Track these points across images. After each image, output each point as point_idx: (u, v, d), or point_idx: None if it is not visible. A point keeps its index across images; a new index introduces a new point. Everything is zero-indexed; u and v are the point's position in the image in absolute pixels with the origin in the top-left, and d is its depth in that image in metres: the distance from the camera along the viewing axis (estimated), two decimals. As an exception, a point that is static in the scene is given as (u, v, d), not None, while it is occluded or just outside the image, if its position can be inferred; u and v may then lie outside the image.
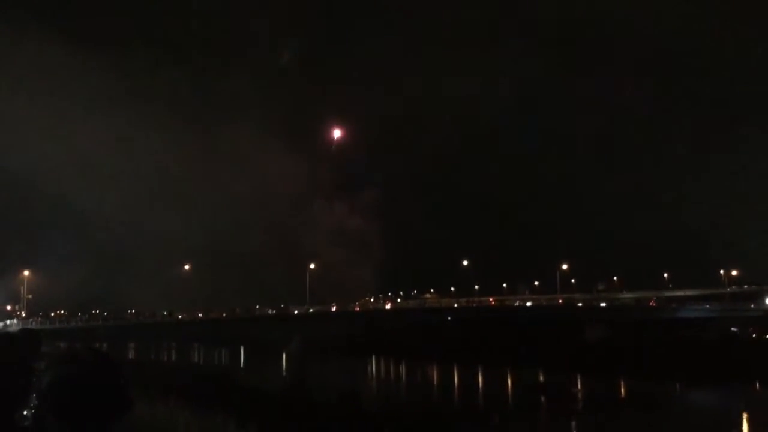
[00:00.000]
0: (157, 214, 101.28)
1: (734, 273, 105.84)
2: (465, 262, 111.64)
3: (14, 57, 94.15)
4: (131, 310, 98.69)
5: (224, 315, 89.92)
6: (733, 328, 74.11)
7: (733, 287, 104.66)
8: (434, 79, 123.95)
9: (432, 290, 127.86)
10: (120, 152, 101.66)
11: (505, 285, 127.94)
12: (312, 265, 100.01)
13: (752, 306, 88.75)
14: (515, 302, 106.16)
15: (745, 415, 34.69)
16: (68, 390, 2.24)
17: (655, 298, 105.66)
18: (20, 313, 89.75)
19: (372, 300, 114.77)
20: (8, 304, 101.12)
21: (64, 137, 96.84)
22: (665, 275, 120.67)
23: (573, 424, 32.77)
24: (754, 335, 71.46)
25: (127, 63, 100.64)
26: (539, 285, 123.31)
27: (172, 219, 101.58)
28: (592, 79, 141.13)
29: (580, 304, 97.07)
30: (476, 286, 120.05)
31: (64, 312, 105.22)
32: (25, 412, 2.33)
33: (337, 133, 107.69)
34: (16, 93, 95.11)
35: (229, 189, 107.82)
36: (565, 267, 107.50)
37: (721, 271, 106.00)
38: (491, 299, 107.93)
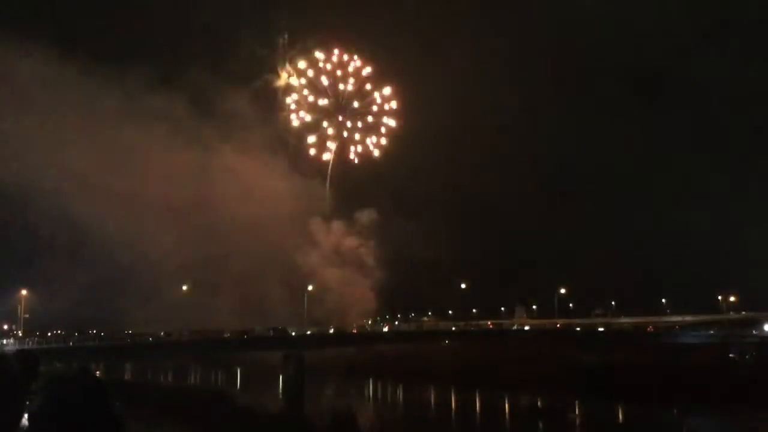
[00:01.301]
0: (155, 235, 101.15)
1: (732, 299, 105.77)
2: (463, 285, 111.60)
3: (12, 74, 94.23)
4: (128, 330, 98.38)
5: (222, 336, 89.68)
6: (731, 354, 73.91)
7: (732, 313, 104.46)
8: (433, 94, 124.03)
9: (430, 313, 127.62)
10: (117, 171, 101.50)
11: (503, 309, 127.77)
12: (310, 287, 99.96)
13: (752, 332, 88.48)
14: (513, 326, 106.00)
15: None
16: (58, 412, 2.31)
17: (653, 323, 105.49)
18: (17, 332, 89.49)
19: (370, 322, 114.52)
20: (5, 323, 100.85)
21: (61, 155, 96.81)
22: (663, 301, 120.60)
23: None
24: (752, 361, 71.21)
25: (126, 81, 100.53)
26: (537, 309, 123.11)
27: (170, 239, 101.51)
28: (592, 97, 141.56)
29: (578, 329, 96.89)
30: (474, 310, 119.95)
31: (61, 332, 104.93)
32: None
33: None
34: (13, 110, 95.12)
35: (226, 209, 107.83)
36: (563, 291, 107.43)
37: (720, 297, 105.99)
38: (489, 322, 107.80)
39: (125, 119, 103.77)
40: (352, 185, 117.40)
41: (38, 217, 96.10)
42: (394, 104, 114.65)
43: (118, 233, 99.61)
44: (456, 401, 57.87)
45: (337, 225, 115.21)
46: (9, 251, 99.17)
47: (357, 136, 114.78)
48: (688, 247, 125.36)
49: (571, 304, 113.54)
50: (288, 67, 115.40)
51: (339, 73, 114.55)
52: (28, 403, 2.39)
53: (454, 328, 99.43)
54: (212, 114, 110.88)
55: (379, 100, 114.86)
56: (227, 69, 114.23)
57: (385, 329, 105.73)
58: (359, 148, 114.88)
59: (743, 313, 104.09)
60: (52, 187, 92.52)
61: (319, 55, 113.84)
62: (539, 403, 51.78)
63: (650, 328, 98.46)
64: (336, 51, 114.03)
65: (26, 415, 2.39)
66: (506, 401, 54.51)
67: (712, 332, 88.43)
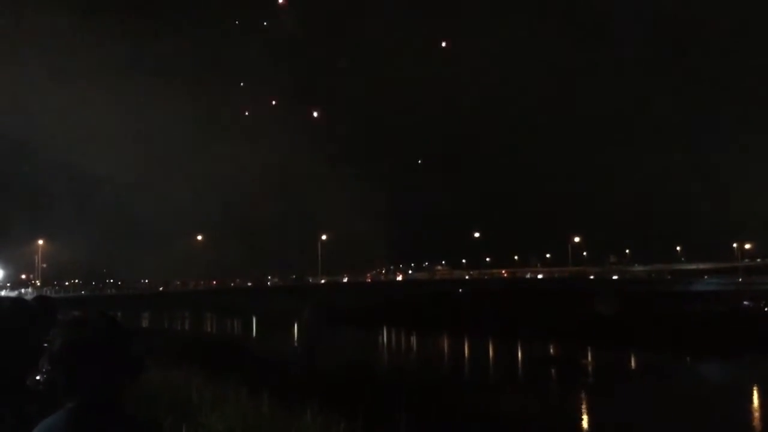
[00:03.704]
0: (167, 183, 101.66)
1: (747, 246, 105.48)
2: (476, 234, 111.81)
3: (15, 23, 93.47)
4: (145, 279, 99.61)
5: (238, 285, 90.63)
6: (745, 302, 73.86)
7: (746, 261, 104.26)
8: (448, 47, 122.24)
9: (443, 262, 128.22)
10: (125, 119, 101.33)
11: (516, 257, 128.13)
12: (324, 237, 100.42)
13: (766, 279, 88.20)
14: (527, 274, 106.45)
15: (755, 388, 34.76)
16: (79, 353, 2.26)
17: (667, 271, 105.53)
18: (35, 281, 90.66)
19: (383, 271, 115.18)
20: (22, 273, 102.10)
21: (71, 106, 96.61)
22: (678, 248, 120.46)
23: (583, 395, 32.93)
24: (766, 309, 71.20)
25: (129, 27, 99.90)
26: (551, 257, 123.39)
27: (182, 188, 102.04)
28: (604, 49, 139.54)
29: (591, 277, 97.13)
30: (487, 258, 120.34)
31: (79, 281, 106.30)
32: (37, 377, 2.35)
33: None
34: (18, 60, 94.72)
35: (237, 157, 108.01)
36: (577, 239, 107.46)
37: (734, 245, 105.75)
38: (503, 271, 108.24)
39: (132, 67, 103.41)
40: (364, 131, 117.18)
41: (50, 167, 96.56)
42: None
43: (130, 182, 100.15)
44: (469, 349, 58.36)
45: (350, 173, 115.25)
46: (23, 202, 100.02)
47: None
48: (703, 194, 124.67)
49: (585, 253, 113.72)
50: None
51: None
52: (46, 345, 2.33)
53: (467, 277, 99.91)
54: (220, 61, 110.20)
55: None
56: (234, 16, 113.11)
57: (399, 278, 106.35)
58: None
59: (758, 260, 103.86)
60: (63, 136, 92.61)
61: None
62: (552, 351, 52.09)
63: (668, 276, 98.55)
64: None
65: (45, 357, 2.32)
66: (519, 349, 54.87)
67: (725, 280, 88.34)
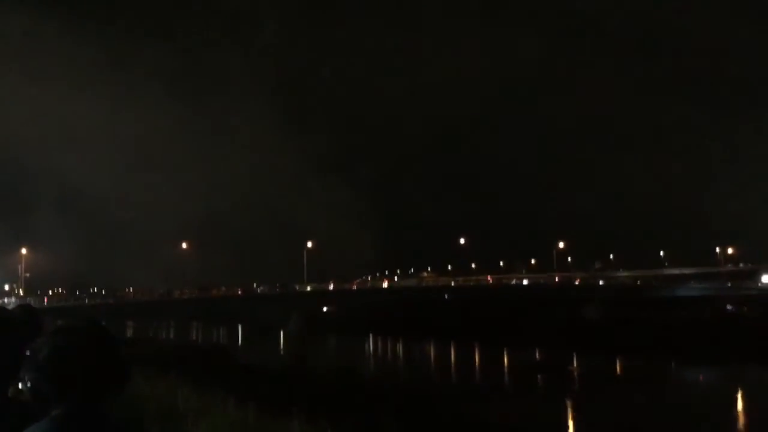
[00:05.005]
0: (152, 192, 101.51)
1: (731, 251, 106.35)
2: (462, 241, 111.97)
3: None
4: (129, 288, 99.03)
5: (224, 293, 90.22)
6: (729, 307, 74.36)
7: (730, 266, 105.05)
8: (431, 52, 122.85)
9: (429, 269, 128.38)
10: (109, 128, 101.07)
11: (501, 263, 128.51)
12: (309, 244, 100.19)
13: (750, 284, 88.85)
14: (512, 280, 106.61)
15: (740, 393, 34.97)
16: (66, 361, 2.22)
17: (651, 276, 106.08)
18: (18, 291, 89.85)
19: (369, 278, 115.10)
20: (5, 283, 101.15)
21: (52, 113, 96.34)
22: (662, 253, 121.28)
23: (570, 402, 32.96)
24: (749, 313, 71.66)
25: (113, 38, 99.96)
26: (536, 263, 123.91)
27: (167, 196, 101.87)
28: (591, 58, 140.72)
29: (577, 283, 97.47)
30: (473, 265, 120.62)
31: (62, 290, 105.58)
32: (20, 386, 2.31)
33: None
34: (0, 69, 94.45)
35: (222, 165, 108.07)
36: (561, 245, 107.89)
37: (718, 250, 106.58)
38: (489, 277, 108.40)
39: (114, 76, 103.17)
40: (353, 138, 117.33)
41: (33, 175, 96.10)
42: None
43: (113, 191, 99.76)
44: (455, 356, 58.37)
45: (336, 181, 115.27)
46: (6, 210, 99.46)
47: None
48: (687, 200, 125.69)
49: (570, 258, 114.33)
50: None
51: None
52: (28, 353, 2.29)
53: (453, 284, 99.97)
54: (203, 67, 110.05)
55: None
56: (216, 22, 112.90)
57: (385, 285, 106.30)
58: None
59: (741, 265, 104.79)
60: (43, 145, 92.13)
61: None
62: (538, 357, 52.22)
63: (653, 282, 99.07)
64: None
65: (28, 366, 2.27)
66: (505, 355, 54.93)
67: (709, 285, 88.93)
